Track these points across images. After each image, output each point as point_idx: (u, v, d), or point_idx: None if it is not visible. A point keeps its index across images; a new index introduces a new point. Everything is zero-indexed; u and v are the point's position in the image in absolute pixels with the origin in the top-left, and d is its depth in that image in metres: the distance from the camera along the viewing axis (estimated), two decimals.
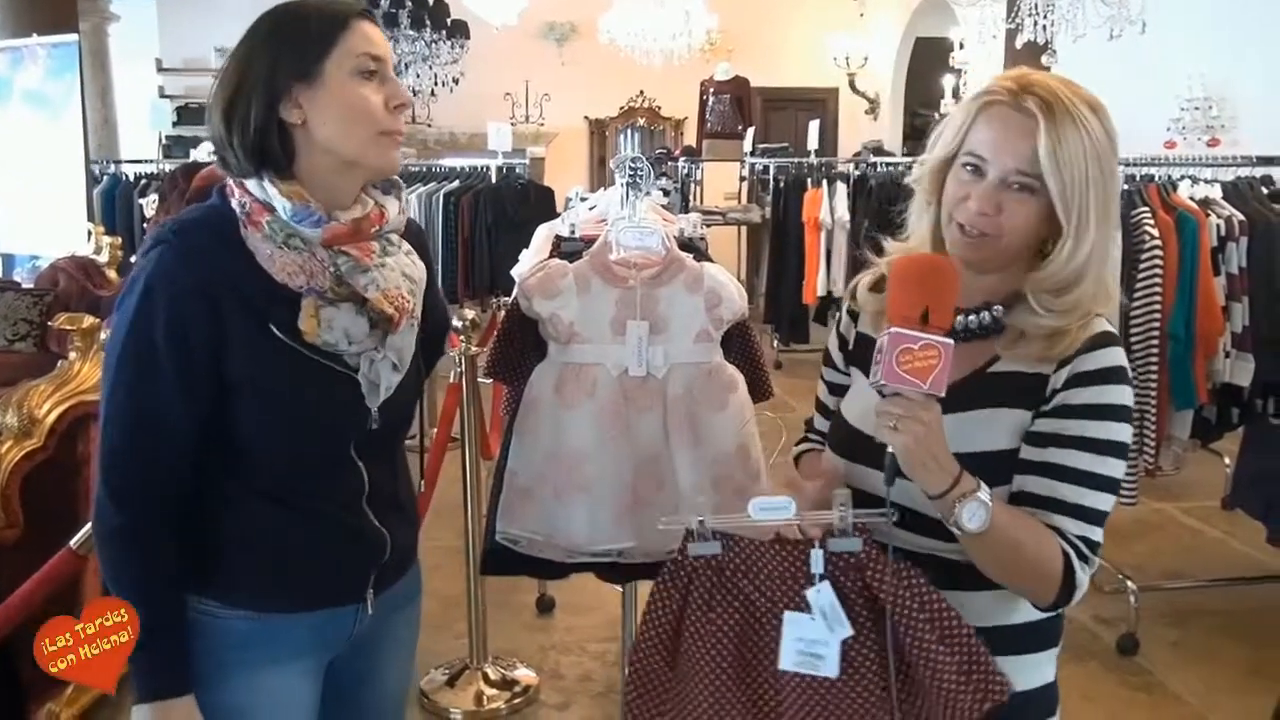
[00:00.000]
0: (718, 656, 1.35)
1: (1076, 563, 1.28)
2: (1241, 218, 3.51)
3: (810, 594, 1.31)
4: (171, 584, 1.38)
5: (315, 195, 1.37)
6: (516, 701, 3.19)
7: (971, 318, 1.36)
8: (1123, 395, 1.33)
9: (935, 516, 1.29)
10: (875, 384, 1.25)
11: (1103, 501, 1.31)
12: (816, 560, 1.31)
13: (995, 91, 1.32)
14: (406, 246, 1.50)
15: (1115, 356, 1.33)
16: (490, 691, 3.22)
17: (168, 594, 1.37)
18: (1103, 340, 1.33)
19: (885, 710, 1.30)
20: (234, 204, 1.38)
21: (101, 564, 1.38)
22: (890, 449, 1.25)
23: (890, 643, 1.29)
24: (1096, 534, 1.31)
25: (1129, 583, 3.65)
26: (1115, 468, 1.31)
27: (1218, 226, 3.50)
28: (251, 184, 1.37)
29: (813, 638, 1.31)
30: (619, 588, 2.61)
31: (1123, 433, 1.32)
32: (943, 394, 1.22)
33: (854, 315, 1.56)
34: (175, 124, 10.46)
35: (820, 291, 7.15)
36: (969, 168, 1.33)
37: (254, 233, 1.36)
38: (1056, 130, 1.26)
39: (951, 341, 1.22)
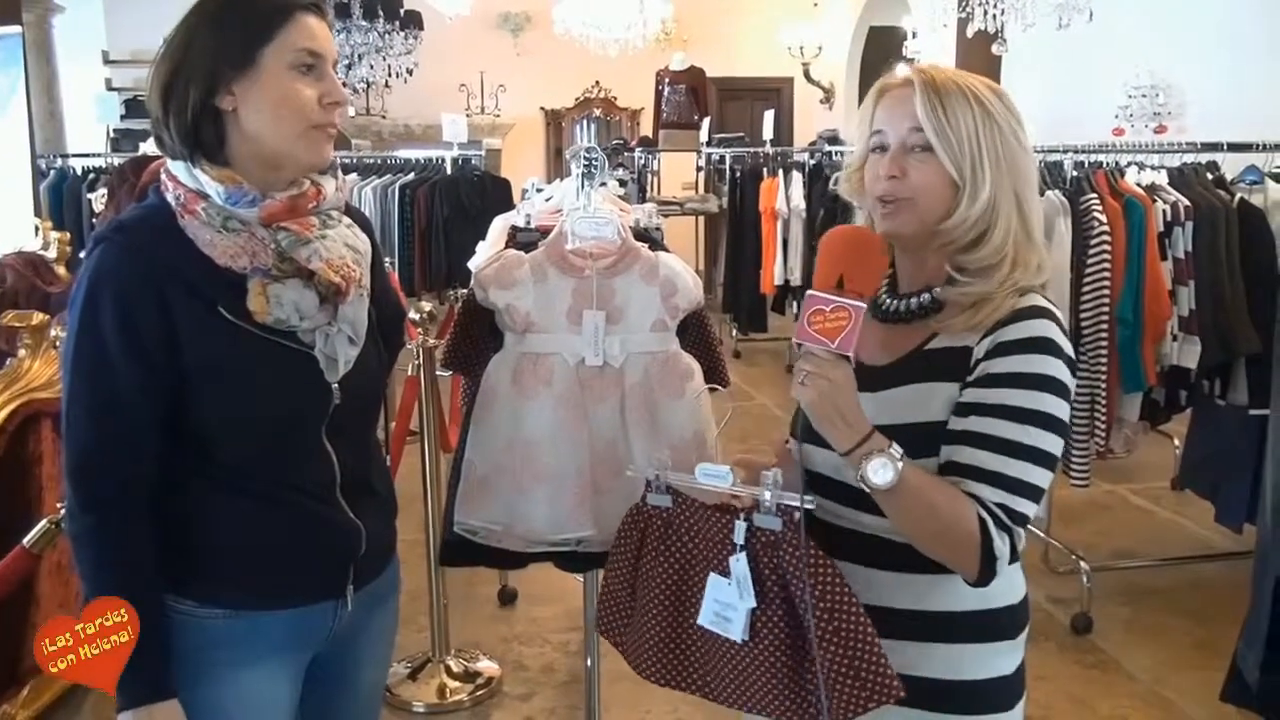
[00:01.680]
0: (659, 599, 1.46)
1: (994, 530, 1.28)
2: (1187, 203, 3.58)
3: (731, 560, 1.39)
4: (149, 585, 1.37)
5: (247, 179, 1.37)
6: (479, 693, 3.19)
7: (912, 300, 1.43)
8: (1047, 365, 1.33)
9: (853, 486, 1.31)
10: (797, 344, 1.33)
11: (1027, 471, 1.31)
12: (739, 531, 1.39)
13: (888, 79, 1.44)
14: (348, 220, 1.50)
15: (1040, 328, 1.34)
16: (453, 684, 3.22)
17: (146, 595, 1.36)
18: (1029, 313, 1.36)
19: (782, 680, 1.36)
20: (169, 197, 1.38)
21: (78, 568, 1.36)
22: (801, 405, 1.31)
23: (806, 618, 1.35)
24: (1020, 504, 1.31)
25: (1082, 563, 3.72)
26: (1040, 438, 1.31)
27: (1164, 212, 3.56)
28: (182, 174, 1.37)
29: (726, 601, 1.39)
30: (579, 577, 2.62)
31: (1046, 403, 1.32)
32: (850, 353, 1.28)
33: None
34: (123, 117, 10.27)
35: (778, 280, 7.18)
36: (876, 149, 1.42)
37: (191, 221, 1.36)
38: (936, 93, 1.36)
39: (863, 305, 1.28)
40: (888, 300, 1.47)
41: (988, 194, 1.35)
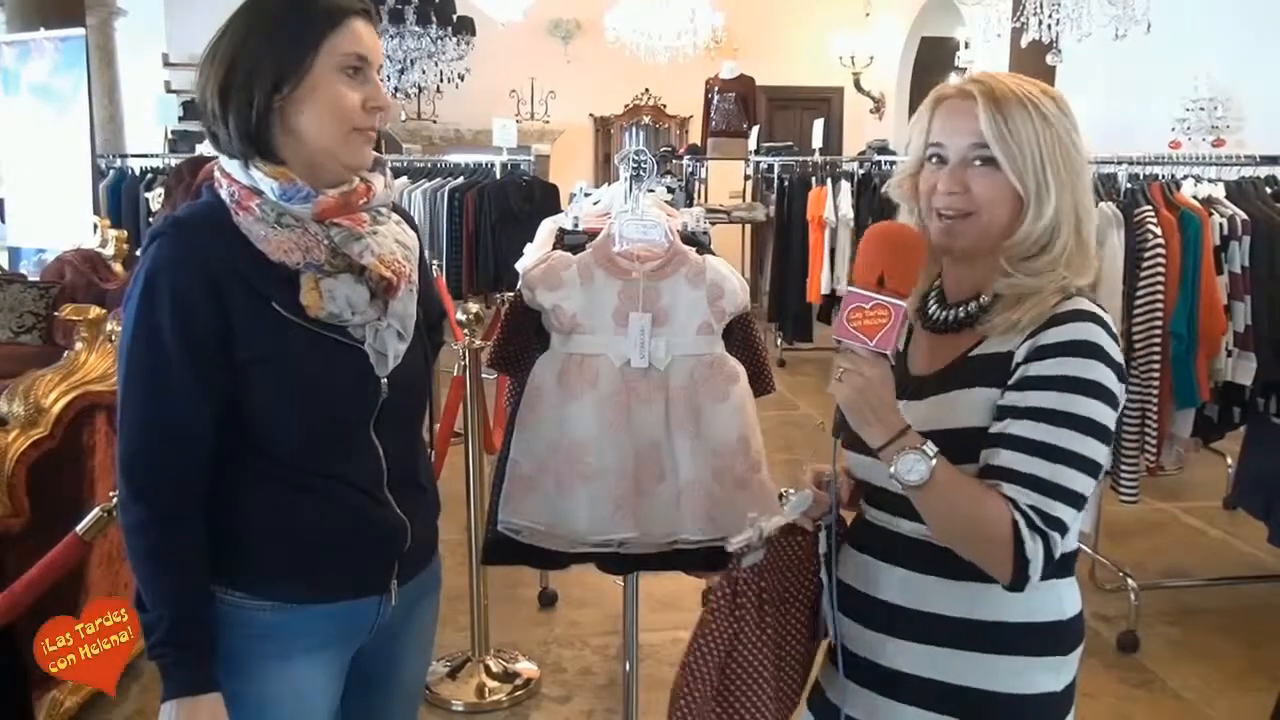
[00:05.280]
0: (770, 651, 1.46)
1: (1025, 532, 1.26)
2: (1244, 216, 3.52)
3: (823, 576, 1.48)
4: (198, 579, 1.39)
5: (299, 176, 1.39)
6: (518, 694, 3.20)
7: (959, 309, 1.41)
8: (1087, 369, 1.30)
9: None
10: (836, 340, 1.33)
11: (1062, 475, 1.28)
12: (822, 541, 1.47)
13: (945, 88, 1.42)
14: (396, 217, 1.53)
15: (1082, 331, 1.31)
16: (492, 684, 3.23)
17: (195, 589, 1.38)
18: (1070, 316, 1.33)
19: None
20: (223, 194, 1.40)
21: (129, 559, 1.39)
22: (837, 401, 1.32)
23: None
24: (1054, 508, 1.28)
25: (1130, 580, 3.66)
26: (1078, 442, 1.28)
27: (1221, 225, 3.50)
28: (237, 171, 1.39)
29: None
30: (619, 581, 2.62)
31: (1086, 406, 1.29)
32: (888, 352, 1.28)
33: None
34: (181, 119, 10.45)
35: (824, 290, 7.15)
36: (934, 159, 1.41)
37: (246, 217, 1.38)
38: (998, 106, 1.34)
39: (903, 304, 1.28)
40: (936, 310, 1.46)
41: (1053, 207, 1.34)
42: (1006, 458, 1.30)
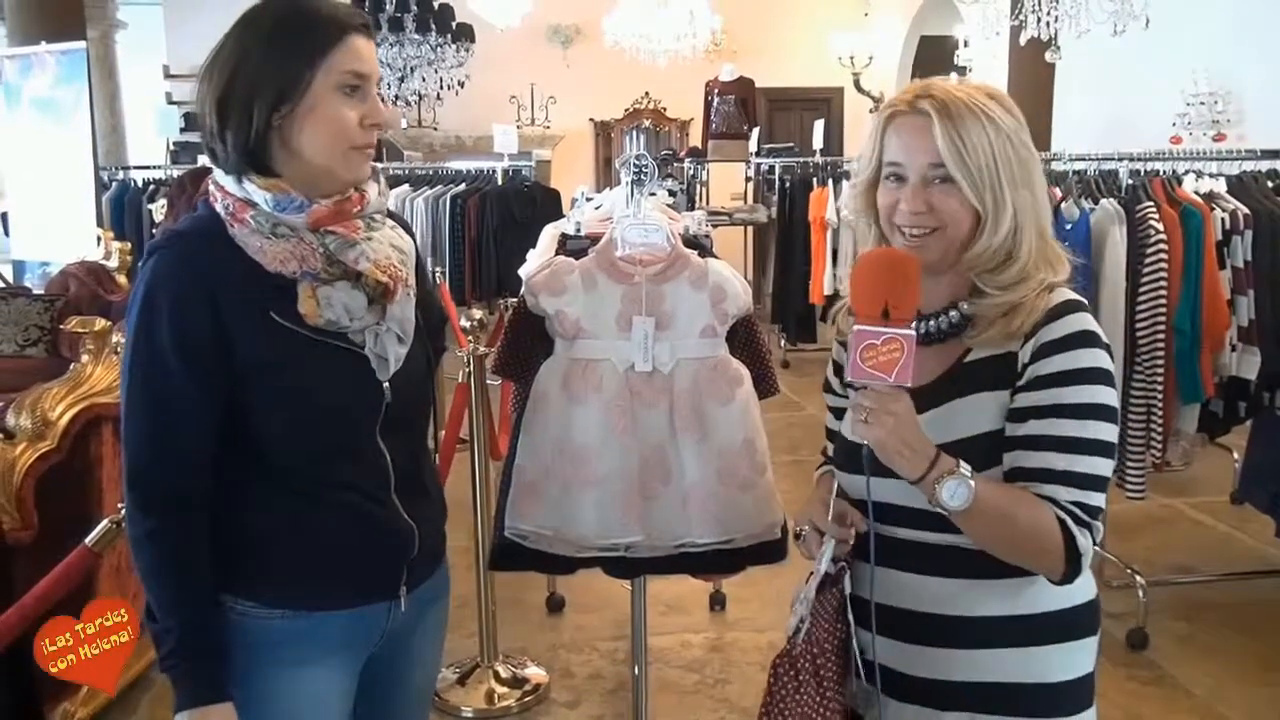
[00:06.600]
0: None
1: (1075, 528, 1.29)
2: (1246, 211, 3.51)
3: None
4: (206, 588, 1.39)
5: (294, 190, 1.39)
6: (527, 700, 3.20)
7: (941, 319, 1.42)
8: (1094, 358, 1.34)
9: (927, 509, 1.31)
10: (847, 383, 1.31)
11: (1094, 465, 1.32)
12: (847, 582, 1.44)
13: (895, 103, 1.41)
14: (391, 223, 1.53)
15: (1079, 322, 1.35)
16: (501, 690, 3.23)
17: (203, 598, 1.39)
18: (1064, 309, 1.36)
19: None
20: (218, 207, 1.40)
21: (137, 572, 1.39)
22: (865, 442, 1.29)
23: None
24: (1093, 498, 1.31)
25: (1138, 577, 3.65)
26: (1100, 430, 1.32)
27: (1223, 220, 3.50)
28: (230, 184, 1.39)
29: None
30: (628, 585, 2.63)
31: (1100, 394, 1.33)
32: (909, 384, 1.27)
33: (844, 343, 1.58)
34: (182, 130, 10.49)
35: (827, 290, 7.16)
36: (891, 178, 1.41)
37: (241, 229, 1.38)
38: (952, 122, 1.34)
39: (913, 333, 1.26)
40: (916, 323, 1.45)
41: (1009, 219, 1.36)
42: (1039, 458, 1.32)
